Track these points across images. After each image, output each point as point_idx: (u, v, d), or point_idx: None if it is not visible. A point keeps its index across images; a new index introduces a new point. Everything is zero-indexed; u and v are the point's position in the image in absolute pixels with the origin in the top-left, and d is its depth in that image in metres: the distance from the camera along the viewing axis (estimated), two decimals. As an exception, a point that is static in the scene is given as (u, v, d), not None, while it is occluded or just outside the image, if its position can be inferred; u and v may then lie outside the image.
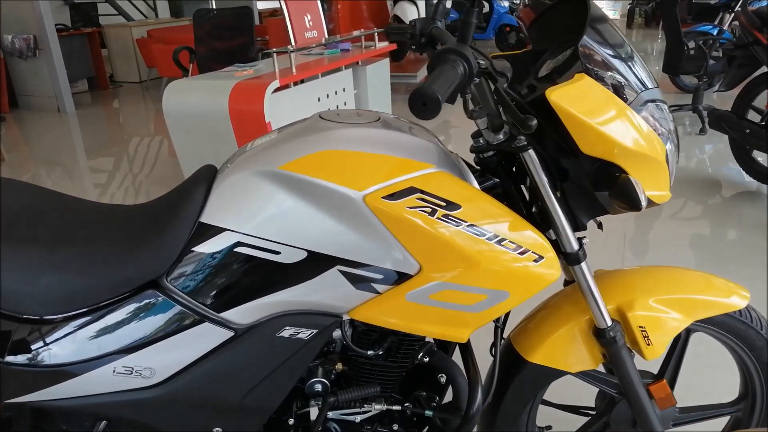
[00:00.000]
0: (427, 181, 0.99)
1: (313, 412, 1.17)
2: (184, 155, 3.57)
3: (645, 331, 1.18)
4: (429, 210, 0.97)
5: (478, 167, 1.16)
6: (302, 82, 3.92)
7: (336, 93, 4.30)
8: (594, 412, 1.38)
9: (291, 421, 1.19)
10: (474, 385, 1.14)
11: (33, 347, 0.99)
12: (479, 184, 1.12)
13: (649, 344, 1.18)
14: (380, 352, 1.14)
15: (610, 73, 1.00)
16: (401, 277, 1.01)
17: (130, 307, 1.01)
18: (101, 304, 1.01)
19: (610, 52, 1.03)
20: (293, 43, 4.34)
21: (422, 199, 0.97)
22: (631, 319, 1.17)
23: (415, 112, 0.81)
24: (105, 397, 1.03)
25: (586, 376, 1.29)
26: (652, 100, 1.06)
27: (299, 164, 0.98)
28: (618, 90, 1.00)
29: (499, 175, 1.14)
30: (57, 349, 0.99)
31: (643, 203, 0.93)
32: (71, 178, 4.57)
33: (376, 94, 4.93)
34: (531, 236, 1.02)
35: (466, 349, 1.21)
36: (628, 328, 1.18)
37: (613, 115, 0.97)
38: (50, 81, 7.03)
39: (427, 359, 1.19)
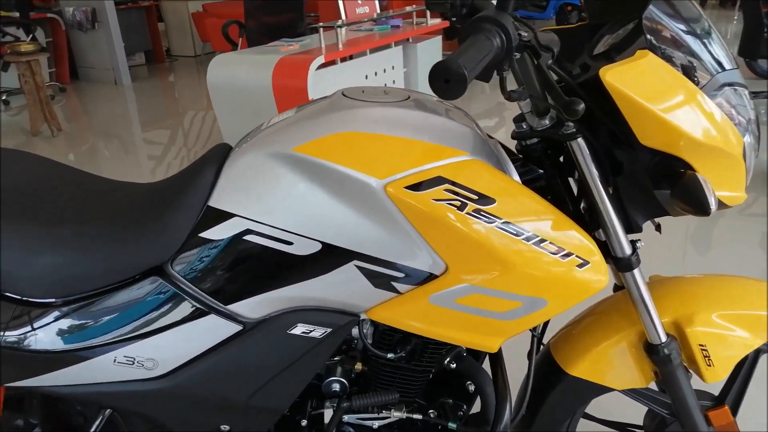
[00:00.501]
0: (457, 170, 0.87)
1: (328, 414, 1.08)
2: (228, 130, 3.54)
3: (706, 350, 1.03)
4: (458, 203, 0.85)
5: (521, 156, 1.03)
6: (350, 58, 3.81)
7: (384, 71, 4.17)
8: (641, 432, 1.25)
9: (304, 422, 1.11)
10: (502, 399, 1.02)
11: (32, 331, 0.93)
12: (521, 175, 0.99)
13: (710, 365, 1.03)
14: (402, 356, 1.04)
15: (679, 52, 0.85)
16: (425, 277, 0.90)
17: (132, 294, 0.94)
18: (102, 290, 0.94)
19: (682, 26, 0.87)
20: (343, 17, 4.22)
21: (451, 191, 0.86)
22: (689, 335, 1.02)
23: (435, 89, 0.69)
24: (107, 387, 0.97)
25: (634, 393, 1.15)
26: (730, 84, 0.90)
27: (314, 146, 0.88)
28: (689, 71, 0.85)
29: (544, 166, 1.00)
30: (56, 335, 0.93)
31: (712, 206, 0.78)
32: (126, 149, 4.63)
33: (426, 73, 4.77)
34: (576, 237, 0.89)
35: (496, 358, 1.09)
36: (685, 345, 1.04)
37: (681, 101, 0.82)
38: (108, 53, 7.17)
39: (455, 365, 1.08)
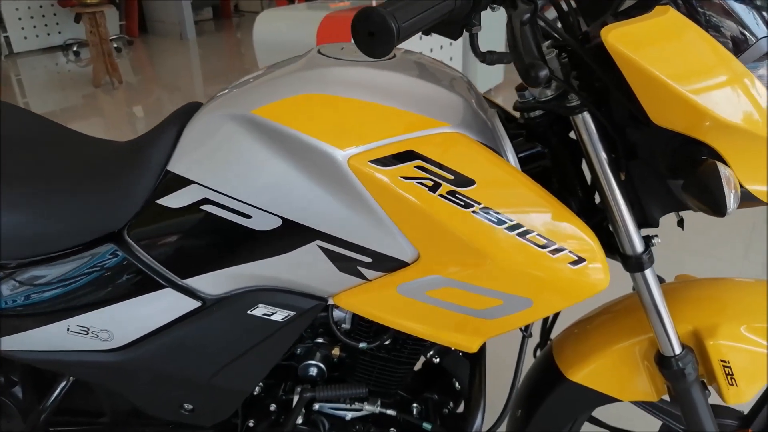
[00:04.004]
0: (433, 144, 0.75)
1: (298, 401, 1.01)
2: (274, 89, 3.47)
3: (728, 367, 0.88)
4: (430, 183, 0.74)
5: (523, 130, 0.89)
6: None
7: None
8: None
9: (273, 407, 1.04)
10: (476, 404, 0.92)
11: None
12: (522, 153, 0.86)
13: (732, 385, 0.89)
14: (376, 346, 0.95)
15: (714, 11, 0.68)
16: (395, 264, 0.80)
17: (86, 261, 0.89)
18: (56, 254, 0.89)
19: None
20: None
21: (423, 168, 0.74)
22: (710, 348, 0.88)
23: (357, 42, 0.57)
24: (64, 355, 0.94)
25: (645, 405, 1.02)
26: None
27: (275, 109, 0.78)
28: (723, 33, 0.68)
29: (550, 143, 0.86)
30: (9, 297, 0.90)
31: (729, 205, 0.63)
32: (181, 104, 4.70)
33: (494, 37, 4.43)
34: (570, 230, 0.76)
35: (477, 358, 0.98)
36: (705, 358, 0.89)
37: (709, 71, 0.66)
38: (175, 8, 7.25)
39: (438, 360, 0.99)
